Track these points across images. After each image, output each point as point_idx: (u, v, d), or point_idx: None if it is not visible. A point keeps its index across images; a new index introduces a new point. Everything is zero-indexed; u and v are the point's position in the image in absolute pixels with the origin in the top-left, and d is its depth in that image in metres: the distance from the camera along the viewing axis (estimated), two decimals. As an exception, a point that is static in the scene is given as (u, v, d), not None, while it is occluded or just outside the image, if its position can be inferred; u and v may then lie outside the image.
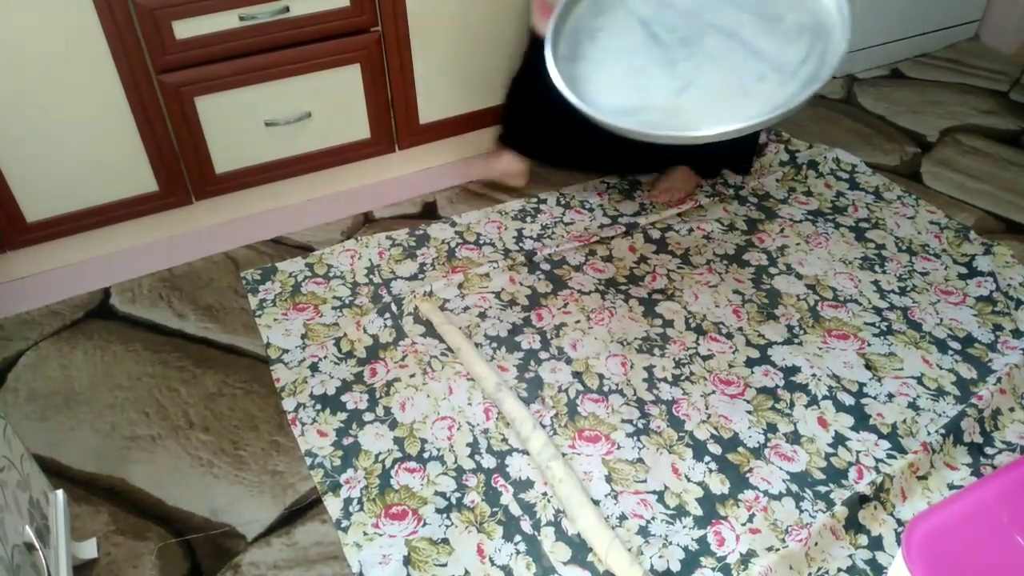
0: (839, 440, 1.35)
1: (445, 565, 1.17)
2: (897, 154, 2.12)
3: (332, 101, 1.77)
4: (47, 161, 1.57)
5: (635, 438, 1.35)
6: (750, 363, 1.49)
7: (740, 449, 1.34)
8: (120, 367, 1.50)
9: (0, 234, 1.61)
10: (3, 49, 1.43)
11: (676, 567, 1.17)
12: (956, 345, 1.52)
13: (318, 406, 1.41)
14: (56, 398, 1.44)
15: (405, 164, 2.02)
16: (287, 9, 1.61)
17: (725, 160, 1.98)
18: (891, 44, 2.51)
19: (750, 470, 1.30)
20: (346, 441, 1.35)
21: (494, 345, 1.53)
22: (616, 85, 1.26)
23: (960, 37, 2.66)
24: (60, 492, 1.13)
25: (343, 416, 1.40)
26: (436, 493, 1.27)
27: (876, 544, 1.19)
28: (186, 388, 1.46)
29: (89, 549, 1.18)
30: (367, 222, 1.87)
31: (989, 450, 1.33)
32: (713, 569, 1.17)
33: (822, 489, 1.27)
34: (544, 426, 1.37)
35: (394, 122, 1.87)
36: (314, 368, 1.47)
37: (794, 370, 1.47)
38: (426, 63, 1.83)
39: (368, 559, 1.18)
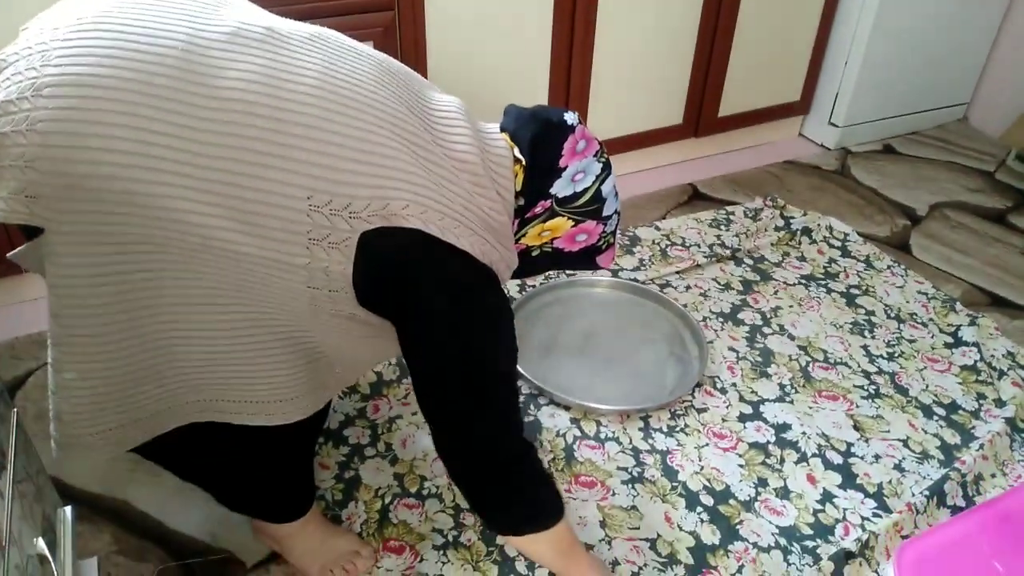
0: (827, 497, 1.39)
1: (440, 600, 1.20)
2: (888, 225, 2.20)
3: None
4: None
5: (630, 485, 1.39)
6: (743, 418, 1.54)
7: (731, 501, 1.37)
8: (128, 391, 1.52)
9: (19, 255, 1.65)
10: None
11: (666, 613, 1.20)
12: (941, 411, 1.57)
13: (321, 439, 1.44)
14: (64, 418, 1.46)
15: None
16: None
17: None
18: (884, 121, 2.62)
19: (740, 522, 1.34)
20: (347, 474, 1.38)
21: (495, 388, 1.57)
22: None
23: (950, 118, 2.78)
24: (69, 508, 1.15)
25: (345, 450, 1.43)
26: (434, 530, 1.30)
27: (861, 600, 1.22)
28: (192, 415, 1.48)
29: (91, 568, 1.20)
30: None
31: (971, 514, 1.37)
32: (702, 617, 1.19)
33: (809, 544, 1.30)
34: (541, 469, 1.40)
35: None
36: (319, 401, 1.51)
37: (785, 427, 1.52)
38: (439, 54, 1.85)
39: (366, 591, 1.20)
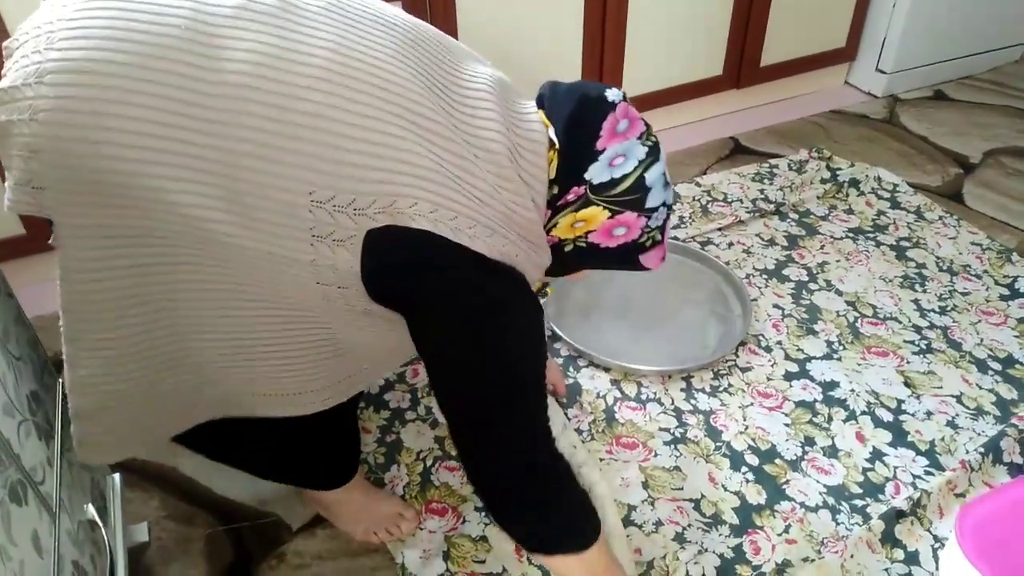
0: (877, 455, 1.35)
1: (483, 562, 1.20)
2: (939, 175, 2.11)
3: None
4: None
5: (672, 446, 1.37)
6: (789, 377, 1.50)
7: (777, 461, 1.35)
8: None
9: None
10: None
11: (712, 574, 1.18)
12: (997, 365, 1.52)
13: (362, 404, 1.45)
14: (111, 387, 1.49)
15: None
16: None
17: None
18: (935, 65, 2.51)
19: (787, 482, 1.31)
20: (389, 438, 1.39)
21: (534, 350, 1.55)
22: None
23: (1005, 60, 2.65)
24: (117, 475, 1.17)
25: (386, 414, 1.43)
26: (475, 492, 1.30)
27: (912, 559, 1.19)
28: (235, 382, 1.50)
29: (141, 532, 1.22)
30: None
31: (1029, 471, 1.32)
32: (749, 577, 1.18)
33: (859, 503, 1.28)
34: (581, 431, 1.39)
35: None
36: (359, 366, 1.51)
37: (833, 385, 1.48)
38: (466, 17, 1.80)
39: (410, 553, 1.21)
